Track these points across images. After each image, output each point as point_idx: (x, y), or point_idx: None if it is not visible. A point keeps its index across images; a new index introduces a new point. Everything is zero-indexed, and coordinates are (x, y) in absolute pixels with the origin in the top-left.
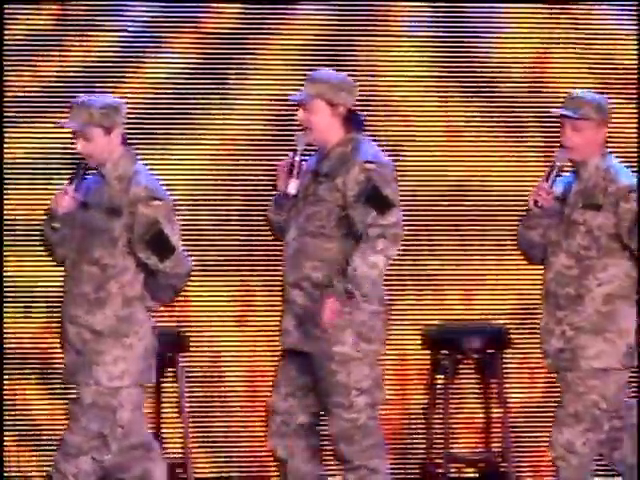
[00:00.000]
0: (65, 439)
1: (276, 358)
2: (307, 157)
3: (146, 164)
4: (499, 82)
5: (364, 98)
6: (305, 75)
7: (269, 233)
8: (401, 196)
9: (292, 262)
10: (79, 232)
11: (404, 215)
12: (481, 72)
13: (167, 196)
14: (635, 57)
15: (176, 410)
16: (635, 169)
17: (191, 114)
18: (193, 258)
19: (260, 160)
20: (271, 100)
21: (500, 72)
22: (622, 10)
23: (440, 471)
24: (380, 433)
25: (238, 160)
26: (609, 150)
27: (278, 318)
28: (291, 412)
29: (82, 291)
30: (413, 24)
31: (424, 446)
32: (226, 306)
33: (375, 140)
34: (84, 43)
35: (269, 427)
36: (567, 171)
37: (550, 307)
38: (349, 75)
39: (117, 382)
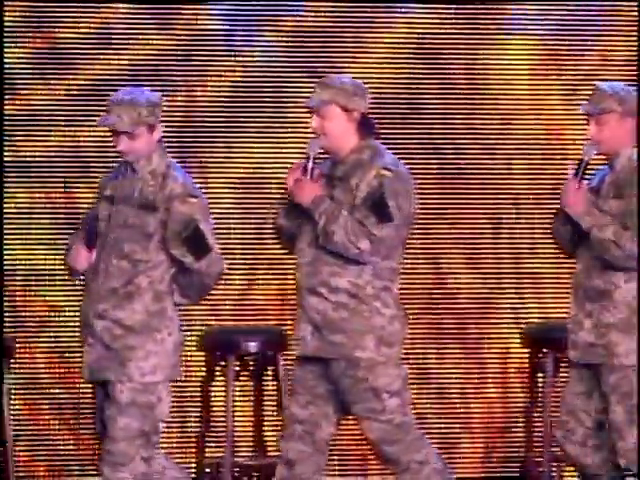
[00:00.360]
0: (109, 449)
1: None
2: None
3: (243, 160)
4: (601, 79)
5: (464, 95)
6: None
7: None
8: (502, 194)
9: (309, 268)
10: (104, 225)
11: (503, 215)
12: (581, 68)
13: (202, 194)
14: None
15: (277, 409)
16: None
17: (291, 109)
18: (293, 256)
19: None
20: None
21: (601, 69)
22: None
23: (541, 470)
24: (415, 428)
25: None
26: None
27: None
28: (312, 421)
29: (111, 285)
30: (513, 21)
31: (524, 445)
32: None
33: (476, 137)
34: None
35: (285, 432)
36: (602, 164)
37: (579, 299)
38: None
39: (149, 377)
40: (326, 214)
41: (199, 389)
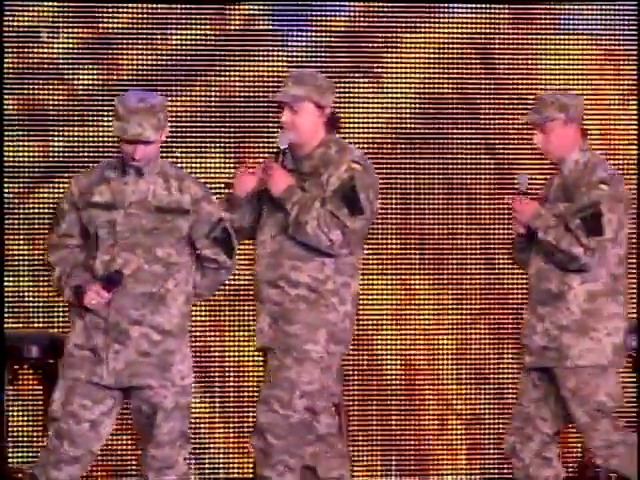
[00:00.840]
0: (153, 455)
1: (433, 356)
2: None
3: None
4: None
5: (519, 94)
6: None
7: (430, 233)
8: None
9: (270, 260)
10: (107, 232)
11: None
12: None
13: None
14: None
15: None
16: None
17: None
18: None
19: (411, 158)
20: (419, 96)
21: None
22: None
23: (597, 470)
24: (312, 436)
25: (389, 158)
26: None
27: (438, 317)
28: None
29: (145, 290)
30: (568, 21)
31: (581, 445)
32: (384, 305)
33: (531, 136)
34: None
35: None
36: (551, 170)
37: (532, 302)
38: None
39: (187, 380)
40: (299, 204)
41: None
